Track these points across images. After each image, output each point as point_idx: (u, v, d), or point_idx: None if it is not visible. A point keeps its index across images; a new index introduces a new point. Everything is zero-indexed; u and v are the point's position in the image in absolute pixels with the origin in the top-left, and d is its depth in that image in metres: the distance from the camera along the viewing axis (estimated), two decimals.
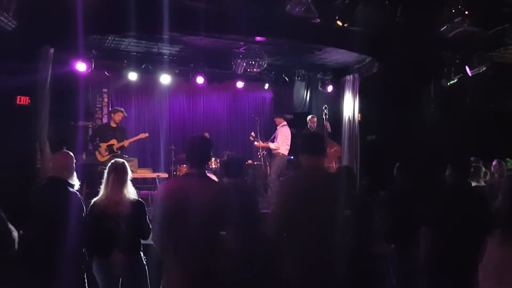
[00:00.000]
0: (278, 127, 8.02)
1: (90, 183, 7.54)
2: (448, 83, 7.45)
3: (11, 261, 3.08)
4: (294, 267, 2.75)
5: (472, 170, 5.28)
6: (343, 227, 2.88)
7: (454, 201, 3.42)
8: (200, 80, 8.71)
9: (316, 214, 2.72)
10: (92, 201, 3.50)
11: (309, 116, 8.77)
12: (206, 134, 8.74)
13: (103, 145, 7.19)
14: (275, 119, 8.21)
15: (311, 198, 2.74)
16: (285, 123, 8.06)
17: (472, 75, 7.07)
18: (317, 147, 2.96)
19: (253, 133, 8.27)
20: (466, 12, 5.63)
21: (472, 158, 5.48)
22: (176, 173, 8.73)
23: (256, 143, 8.18)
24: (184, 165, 8.82)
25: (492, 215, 3.27)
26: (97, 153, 7.22)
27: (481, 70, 6.96)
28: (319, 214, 2.73)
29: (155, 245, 2.85)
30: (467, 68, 7.02)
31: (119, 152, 7.28)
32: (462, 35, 6.16)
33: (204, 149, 2.86)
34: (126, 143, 7.37)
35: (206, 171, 3.02)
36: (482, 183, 5.38)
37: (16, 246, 2.99)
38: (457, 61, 7.24)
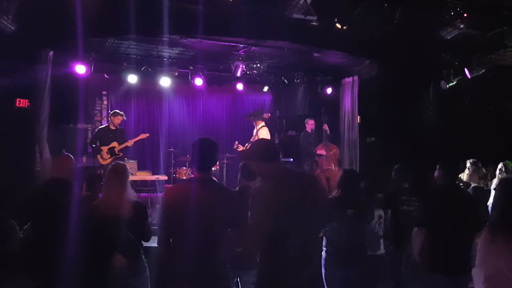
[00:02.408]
0: (257, 129, 7.80)
1: (90, 186, 7.54)
2: (447, 86, 7.46)
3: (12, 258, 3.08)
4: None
5: (471, 171, 5.31)
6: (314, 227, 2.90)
7: (443, 202, 3.46)
8: (199, 81, 8.71)
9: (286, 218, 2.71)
10: (93, 203, 3.49)
11: (308, 119, 8.77)
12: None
13: (105, 149, 7.20)
14: (253, 122, 7.95)
15: (278, 203, 2.73)
16: (263, 123, 7.83)
17: (471, 78, 7.09)
18: (268, 153, 2.90)
19: (236, 141, 8.15)
20: (465, 15, 5.65)
21: (471, 160, 5.48)
22: (175, 175, 8.72)
23: (238, 149, 7.99)
24: (184, 168, 8.83)
25: (481, 215, 3.32)
26: (99, 156, 7.23)
27: (480, 73, 6.98)
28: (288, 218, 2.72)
29: (160, 249, 2.86)
30: (466, 71, 7.04)
31: (121, 154, 7.29)
32: (461, 38, 6.19)
33: (208, 152, 2.81)
34: (130, 143, 7.37)
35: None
36: (482, 184, 5.39)
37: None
38: (456, 64, 7.25)
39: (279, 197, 2.72)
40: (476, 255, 2.73)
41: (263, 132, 7.65)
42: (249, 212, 2.82)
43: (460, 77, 7.28)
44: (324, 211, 3.16)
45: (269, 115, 8.18)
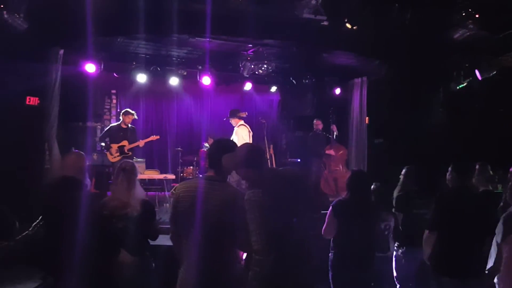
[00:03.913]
0: (234, 129, 7.52)
1: (98, 184, 7.58)
2: (458, 87, 7.40)
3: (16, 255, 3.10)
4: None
5: (478, 173, 5.24)
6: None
7: (455, 205, 3.42)
8: (207, 81, 8.71)
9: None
10: (101, 202, 3.51)
11: (316, 119, 8.75)
12: (210, 139, 8.73)
13: (114, 146, 7.23)
14: (230, 121, 7.65)
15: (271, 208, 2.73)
16: (241, 122, 7.48)
17: (481, 79, 7.02)
18: (253, 159, 2.83)
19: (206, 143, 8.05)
20: (476, 16, 5.60)
21: (479, 162, 5.42)
22: (182, 174, 8.74)
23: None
24: (191, 167, 8.87)
25: (493, 219, 3.28)
26: (108, 154, 7.27)
27: (491, 74, 6.91)
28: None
29: (172, 243, 2.91)
30: (477, 72, 6.97)
31: (130, 153, 7.32)
32: (471, 39, 6.13)
33: (219, 152, 2.80)
34: (141, 143, 7.39)
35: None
36: (490, 187, 5.32)
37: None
38: (467, 65, 7.19)
39: (270, 204, 2.69)
40: (502, 262, 2.68)
41: (240, 131, 7.30)
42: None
43: (470, 78, 7.22)
44: (316, 208, 3.15)
45: (246, 113, 7.84)
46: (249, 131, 7.40)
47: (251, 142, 7.05)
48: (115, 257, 3.39)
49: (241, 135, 7.19)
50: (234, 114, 7.55)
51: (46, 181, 5.75)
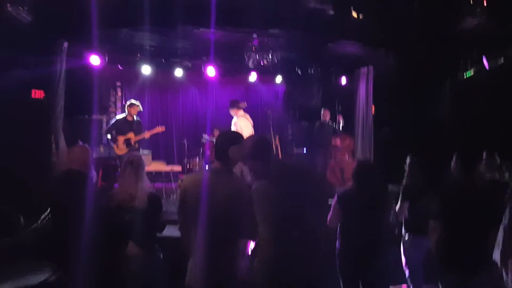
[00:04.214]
0: (233, 120, 7.40)
1: (105, 176, 7.61)
2: (465, 76, 7.31)
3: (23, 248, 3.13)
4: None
5: (485, 162, 5.20)
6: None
7: (460, 196, 3.42)
8: (212, 72, 8.68)
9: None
10: (108, 194, 3.52)
11: (323, 109, 8.72)
12: (217, 131, 8.71)
13: (121, 139, 7.24)
14: (230, 112, 7.48)
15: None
16: (242, 113, 7.34)
17: (489, 69, 6.93)
18: (259, 151, 2.85)
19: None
20: (485, 4, 5.52)
21: (485, 152, 5.38)
22: (189, 166, 8.75)
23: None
24: (197, 158, 8.87)
25: (498, 210, 3.27)
26: (115, 146, 7.29)
27: (499, 63, 6.82)
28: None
29: (180, 235, 2.95)
30: (485, 61, 6.88)
31: (137, 145, 7.34)
32: (479, 29, 6.05)
33: (224, 144, 2.83)
34: (147, 135, 7.39)
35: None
36: (497, 177, 5.29)
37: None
38: (474, 54, 7.10)
39: (279, 195, 2.71)
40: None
41: (239, 122, 7.19)
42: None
43: (478, 67, 7.13)
44: (323, 202, 3.17)
45: (245, 103, 7.65)
46: (249, 122, 7.30)
47: (252, 132, 6.99)
48: (122, 249, 3.41)
49: (240, 126, 7.10)
50: (234, 104, 7.44)
51: (52, 174, 5.77)
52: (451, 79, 7.64)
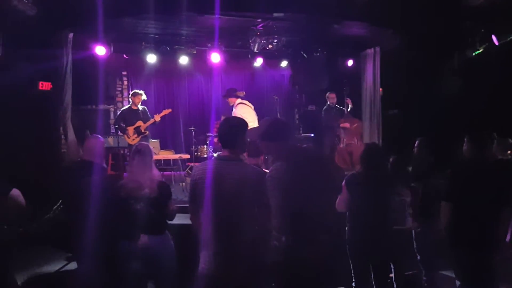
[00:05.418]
0: (234, 107, 7.06)
1: (115, 166, 7.68)
2: (473, 53, 7.19)
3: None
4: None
5: (496, 142, 5.14)
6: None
7: (471, 176, 3.40)
8: (217, 58, 8.63)
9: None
10: (118, 184, 3.54)
11: (329, 92, 8.65)
12: (223, 117, 8.67)
13: (130, 129, 7.29)
14: (227, 100, 7.19)
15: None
16: (239, 100, 6.97)
17: (499, 45, 6.81)
18: (276, 133, 2.89)
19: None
20: None
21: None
22: (197, 154, 8.78)
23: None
24: (205, 146, 8.89)
25: (509, 190, 3.24)
26: (126, 137, 7.35)
27: (508, 39, 6.69)
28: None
29: (192, 223, 2.94)
30: (494, 37, 6.75)
31: (147, 132, 7.40)
32: (486, 5, 5.93)
33: (230, 131, 2.81)
34: (157, 118, 7.38)
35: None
36: (509, 156, 5.24)
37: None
38: (482, 30, 6.96)
39: (295, 180, 2.71)
40: None
41: (237, 111, 6.83)
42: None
43: (487, 44, 7.00)
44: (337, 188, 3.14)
45: (244, 93, 7.39)
46: (249, 108, 6.96)
47: (255, 116, 6.82)
48: (134, 237, 3.45)
49: (239, 114, 6.74)
50: (230, 93, 7.14)
51: (63, 165, 5.83)
52: (459, 56, 7.51)
